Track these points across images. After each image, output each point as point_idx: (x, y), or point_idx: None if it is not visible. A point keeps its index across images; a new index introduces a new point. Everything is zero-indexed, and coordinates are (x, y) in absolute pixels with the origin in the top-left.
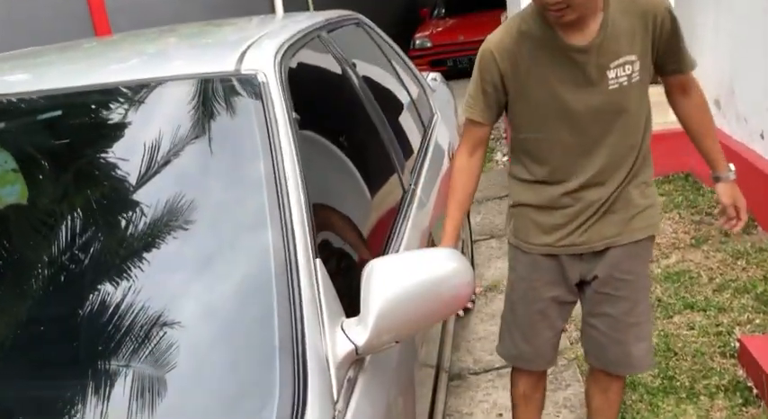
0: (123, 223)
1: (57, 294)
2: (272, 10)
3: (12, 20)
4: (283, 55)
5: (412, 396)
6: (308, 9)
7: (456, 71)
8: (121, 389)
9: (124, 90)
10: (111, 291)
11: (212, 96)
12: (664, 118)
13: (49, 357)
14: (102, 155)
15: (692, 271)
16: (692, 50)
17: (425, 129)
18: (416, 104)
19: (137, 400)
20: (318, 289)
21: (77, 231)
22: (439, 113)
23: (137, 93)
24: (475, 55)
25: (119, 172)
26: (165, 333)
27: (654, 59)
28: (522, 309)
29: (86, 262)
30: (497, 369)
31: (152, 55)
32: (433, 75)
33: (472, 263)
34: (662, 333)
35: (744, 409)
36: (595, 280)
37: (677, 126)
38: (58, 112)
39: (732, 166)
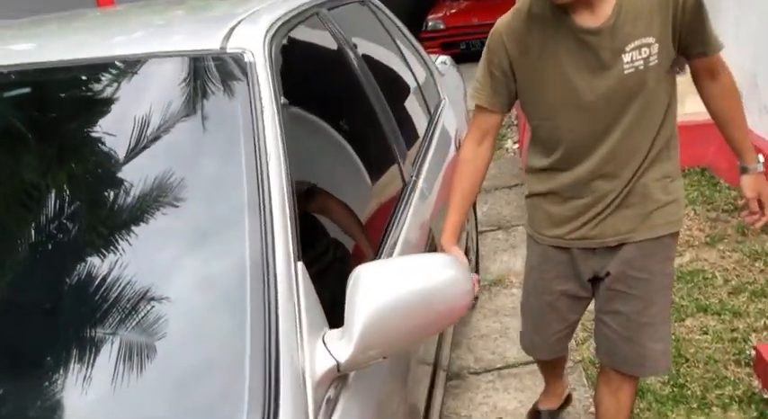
0: (85, 214)
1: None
2: None
3: None
4: (275, 33)
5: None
6: None
7: (469, 54)
8: (75, 401)
9: (98, 66)
10: (68, 287)
11: (193, 77)
12: (680, 109)
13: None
14: (67, 132)
15: (706, 272)
16: None
17: (431, 116)
18: (423, 89)
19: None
20: (299, 297)
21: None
22: (447, 99)
23: (112, 70)
24: None
25: (81, 152)
26: (118, 341)
27: (677, 42)
28: (533, 300)
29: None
30: (499, 369)
31: (137, 29)
32: (442, 58)
33: (477, 256)
34: (673, 337)
35: None
36: (608, 276)
37: (693, 117)
38: (29, 88)
39: (761, 158)
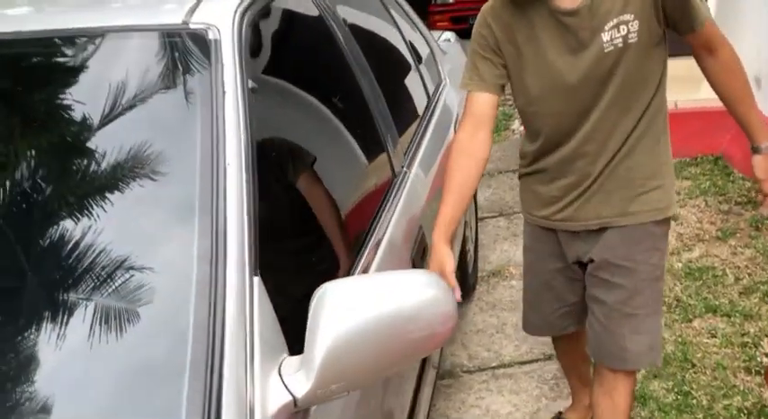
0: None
1: None
2: None
3: None
4: (249, 5)
5: None
6: None
7: None
8: None
9: (49, 40)
10: None
11: (149, 56)
12: (694, 94)
13: None
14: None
15: (716, 269)
16: (732, 25)
17: (429, 100)
18: (421, 70)
19: None
20: (252, 319)
21: None
22: (448, 80)
23: (65, 44)
24: None
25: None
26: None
27: (662, 19)
28: (530, 279)
29: None
30: (493, 368)
31: (97, 1)
32: (446, 34)
33: (476, 244)
34: (680, 339)
35: None
36: (592, 263)
37: (708, 104)
38: None
39: None
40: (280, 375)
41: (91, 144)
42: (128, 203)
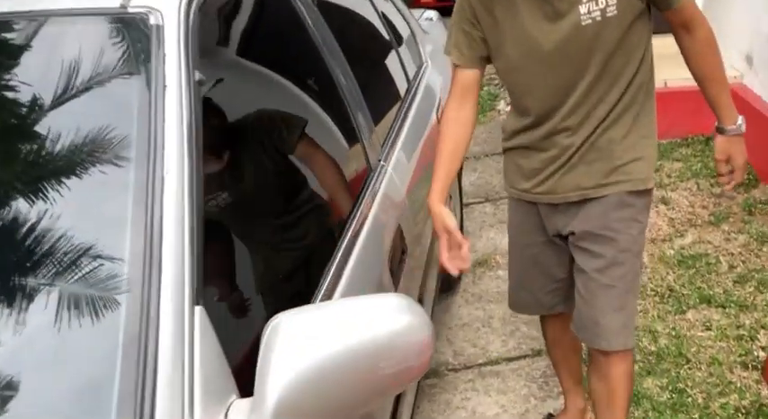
0: None
1: None
2: None
3: None
4: None
5: None
6: None
7: None
8: None
9: None
10: None
11: (80, 45)
12: (682, 73)
13: None
14: None
15: (709, 256)
16: (724, 2)
17: (410, 85)
18: (400, 53)
19: None
20: (193, 354)
21: None
22: (430, 62)
23: None
24: None
25: None
26: None
27: None
28: (515, 254)
29: None
30: (480, 365)
31: None
32: (428, 13)
33: (462, 231)
34: (673, 332)
35: None
36: (573, 235)
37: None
38: None
39: (740, 119)
40: None
41: (22, 151)
42: (45, 219)
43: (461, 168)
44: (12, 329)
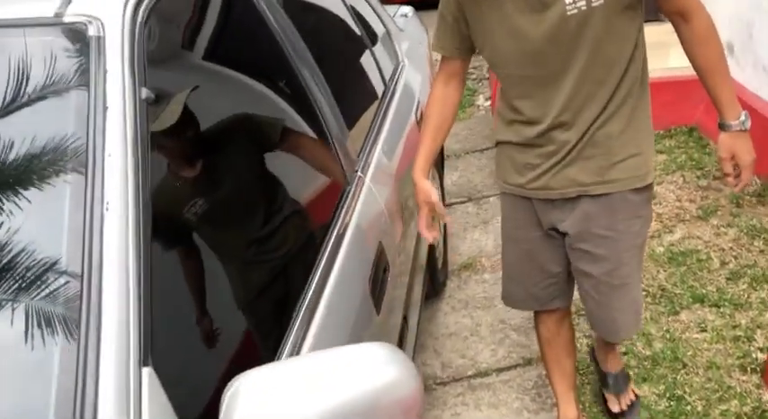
0: None
1: None
2: None
3: None
4: None
5: None
6: None
7: None
8: None
9: None
10: None
11: (7, 59)
12: (663, 63)
13: None
14: None
15: (700, 252)
16: None
17: (386, 87)
18: (375, 53)
19: None
20: None
21: None
22: (407, 61)
23: None
24: None
25: None
26: None
27: None
28: (510, 249)
29: None
30: (470, 377)
31: None
32: (403, 9)
33: (444, 233)
34: (668, 335)
35: None
36: (569, 235)
37: (679, 72)
38: None
39: (743, 115)
40: None
41: None
42: None
43: (443, 161)
44: None
